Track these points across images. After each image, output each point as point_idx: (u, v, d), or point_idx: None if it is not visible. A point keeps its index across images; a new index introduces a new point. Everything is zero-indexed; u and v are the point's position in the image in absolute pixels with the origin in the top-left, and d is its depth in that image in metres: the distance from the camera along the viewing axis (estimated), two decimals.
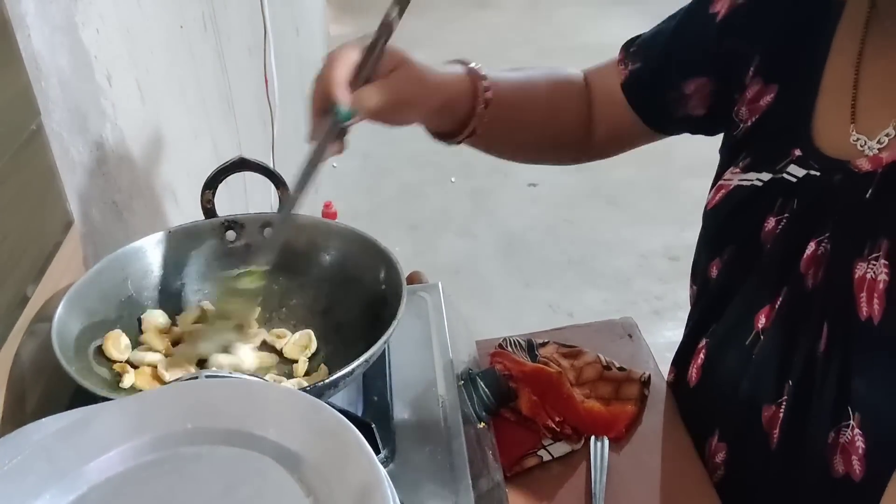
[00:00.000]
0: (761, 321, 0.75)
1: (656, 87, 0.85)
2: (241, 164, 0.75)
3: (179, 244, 0.75)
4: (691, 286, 0.89)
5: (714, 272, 0.82)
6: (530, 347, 0.93)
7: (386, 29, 0.68)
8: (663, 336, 2.37)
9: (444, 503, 0.58)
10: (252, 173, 0.77)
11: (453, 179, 3.16)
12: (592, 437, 0.82)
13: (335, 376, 0.58)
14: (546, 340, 0.94)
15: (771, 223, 0.75)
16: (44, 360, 0.61)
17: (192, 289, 0.75)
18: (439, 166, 3.25)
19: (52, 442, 0.43)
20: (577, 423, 0.82)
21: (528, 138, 0.90)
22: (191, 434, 0.42)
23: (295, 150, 2.48)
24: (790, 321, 0.73)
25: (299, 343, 0.72)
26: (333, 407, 0.43)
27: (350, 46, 0.68)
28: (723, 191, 0.80)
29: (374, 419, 0.62)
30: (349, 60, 0.68)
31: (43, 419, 0.46)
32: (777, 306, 0.74)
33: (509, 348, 0.92)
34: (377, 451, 0.59)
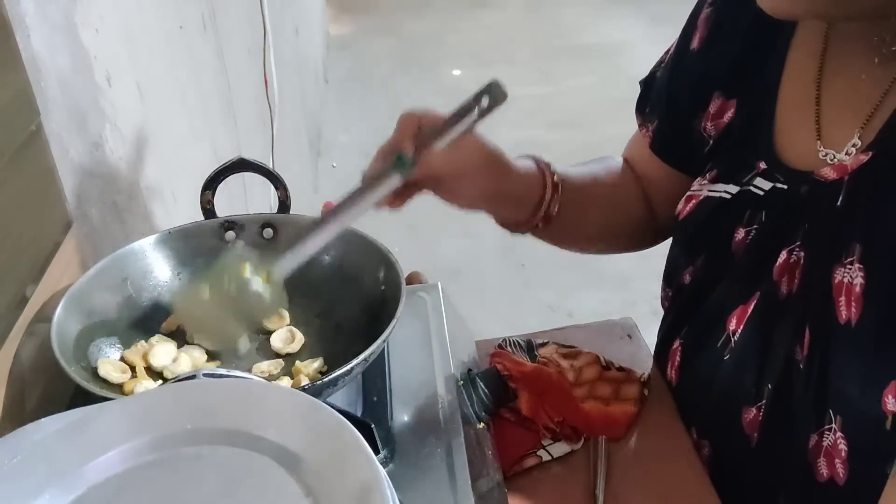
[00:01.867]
0: (732, 323, 0.77)
1: (678, 137, 0.87)
2: (240, 165, 0.75)
3: (179, 245, 0.75)
4: (664, 289, 0.92)
5: (687, 279, 0.85)
6: (530, 348, 0.93)
7: (472, 110, 0.70)
8: None
9: (443, 503, 0.58)
10: (251, 174, 0.77)
11: None
12: (592, 438, 0.82)
13: (334, 375, 0.58)
14: (546, 341, 0.94)
15: (741, 234, 0.77)
16: (44, 360, 0.61)
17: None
18: None
19: (51, 442, 0.43)
20: (576, 423, 0.82)
21: (595, 227, 0.93)
22: (191, 434, 0.42)
23: (294, 150, 2.49)
24: (764, 325, 0.74)
25: (284, 338, 0.73)
26: (333, 407, 0.43)
27: (432, 111, 0.73)
28: (693, 201, 0.81)
29: (373, 419, 0.62)
30: (424, 121, 0.72)
31: (43, 419, 0.46)
32: (750, 311, 0.75)
33: (509, 348, 0.92)
34: (376, 452, 0.60)
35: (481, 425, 0.71)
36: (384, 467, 0.44)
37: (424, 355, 0.74)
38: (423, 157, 0.71)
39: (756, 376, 0.75)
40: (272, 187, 0.77)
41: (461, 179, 0.74)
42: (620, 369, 0.89)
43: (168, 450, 0.42)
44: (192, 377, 0.48)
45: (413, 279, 0.89)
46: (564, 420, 0.82)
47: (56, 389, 0.63)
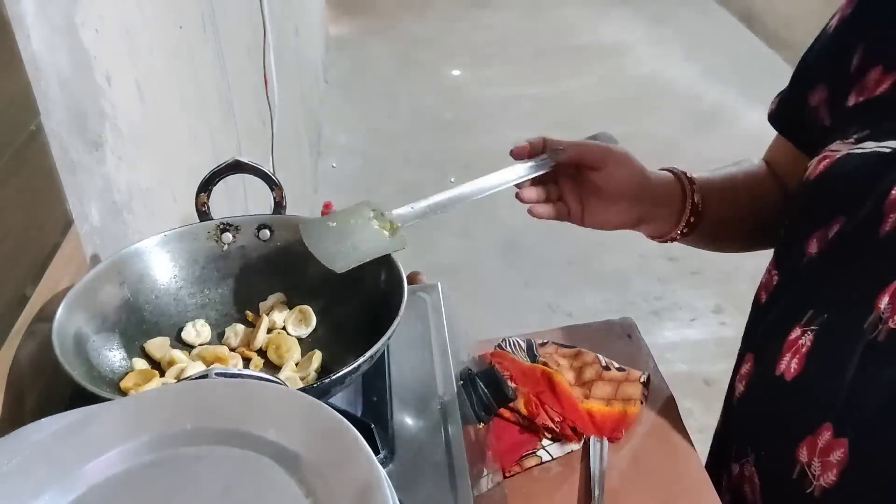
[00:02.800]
0: (883, 302, 0.67)
1: (792, 109, 0.87)
2: (235, 167, 0.75)
3: (175, 247, 0.75)
4: (769, 273, 0.81)
5: (814, 247, 0.74)
6: (530, 347, 0.93)
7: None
8: (662, 336, 2.37)
9: (443, 503, 0.58)
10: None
11: (453, 179, 3.16)
12: (592, 437, 0.82)
13: (342, 372, 0.59)
14: (545, 340, 0.94)
15: None
16: (43, 361, 0.61)
17: (188, 292, 0.75)
18: (439, 166, 3.25)
19: (51, 442, 0.43)
20: (576, 423, 0.82)
21: (739, 226, 0.93)
22: (191, 434, 0.42)
23: (294, 150, 2.49)
24: None
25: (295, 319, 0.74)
26: (333, 407, 0.43)
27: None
28: (827, 160, 0.74)
29: (373, 419, 0.62)
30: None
31: (42, 419, 0.46)
32: None
33: (508, 348, 0.92)
34: (376, 452, 0.60)
35: (481, 425, 0.71)
36: (384, 467, 0.44)
37: (424, 355, 0.74)
38: (574, 146, 0.75)
39: None
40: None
41: (617, 200, 0.79)
42: (620, 369, 0.89)
43: (168, 450, 0.42)
44: (203, 375, 0.48)
45: (413, 279, 0.89)
46: (564, 420, 0.82)
47: (56, 389, 0.63)
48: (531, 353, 0.92)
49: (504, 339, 0.93)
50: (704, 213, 0.85)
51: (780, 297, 0.78)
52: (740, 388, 0.80)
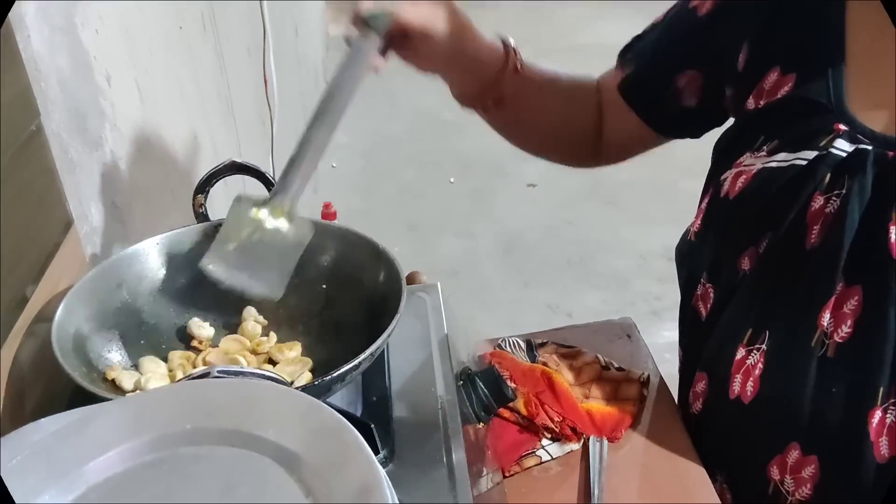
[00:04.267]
0: (825, 318, 0.68)
1: (651, 87, 0.86)
2: (232, 168, 0.75)
3: (173, 249, 0.75)
4: (705, 284, 0.81)
5: (746, 264, 0.75)
6: (529, 348, 0.93)
7: None
8: (662, 336, 2.37)
9: (443, 503, 0.58)
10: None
11: (452, 180, 3.16)
12: (591, 437, 0.82)
13: (342, 370, 0.59)
14: (545, 341, 0.94)
15: (819, 201, 0.68)
16: (43, 361, 0.62)
17: (187, 293, 0.75)
18: (439, 166, 3.25)
19: (51, 442, 0.43)
20: (576, 423, 0.82)
21: (544, 126, 0.92)
22: (190, 434, 0.42)
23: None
24: (880, 316, 0.66)
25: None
26: (332, 407, 0.43)
27: None
28: (744, 176, 0.73)
29: (373, 419, 0.62)
30: None
31: (42, 419, 0.46)
32: (856, 301, 0.66)
33: (508, 348, 0.92)
34: (376, 452, 0.60)
35: (481, 425, 0.71)
36: (384, 467, 0.44)
37: (424, 355, 0.74)
38: (395, 8, 0.71)
39: (873, 383, 0.66)
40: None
41: (429, 32, 0.74)
42: (620, 369, 0.89)
43: (168, 450, 0.42)
44: (206, 374, 0.48)
45: (413, 279, 0.89)
46: (564, 420, 0.82)
47: (55, 390, 0.63)
48: (531, 353, 0.92)
49: (504, 339, 0.93)
50: (516, 98, 0.83)
51: (719, 314, 0.79)
52: (697, 405, 0.81)
